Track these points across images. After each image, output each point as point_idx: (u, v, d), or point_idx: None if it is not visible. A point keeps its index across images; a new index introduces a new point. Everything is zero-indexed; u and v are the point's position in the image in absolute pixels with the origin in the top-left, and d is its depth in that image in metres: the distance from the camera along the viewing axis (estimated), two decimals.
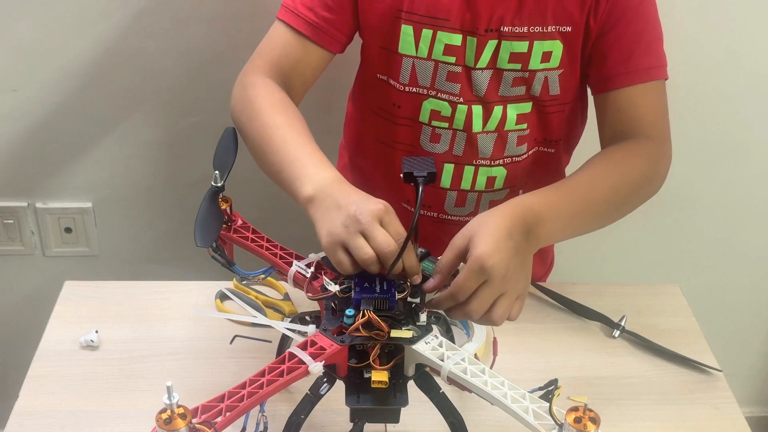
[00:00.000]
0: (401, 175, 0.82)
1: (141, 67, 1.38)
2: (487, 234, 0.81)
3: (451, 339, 0.84)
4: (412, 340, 0.76)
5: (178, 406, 0.65)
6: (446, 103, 1.06)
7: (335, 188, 0.86)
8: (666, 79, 1.05)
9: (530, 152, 1.12)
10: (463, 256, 0.82)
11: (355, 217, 0.80)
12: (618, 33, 1.02)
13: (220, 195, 0.89)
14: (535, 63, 1.03)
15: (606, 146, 1.07)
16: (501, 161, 1.11)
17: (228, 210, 0.90)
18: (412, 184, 0.82)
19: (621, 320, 1.08)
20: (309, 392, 0.75)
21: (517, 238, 0.84)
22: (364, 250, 0.79)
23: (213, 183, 0.88)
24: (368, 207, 0.81)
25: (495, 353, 1.02)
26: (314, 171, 0.89)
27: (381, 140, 1.13)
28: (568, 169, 1.20)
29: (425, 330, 0.77)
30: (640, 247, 1.65)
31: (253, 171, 1.51)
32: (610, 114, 1.05)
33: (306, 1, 1.05)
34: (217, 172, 0.88)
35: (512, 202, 0.89)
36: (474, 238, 0.81)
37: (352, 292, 0.79)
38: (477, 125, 1.07)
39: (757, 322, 1.78)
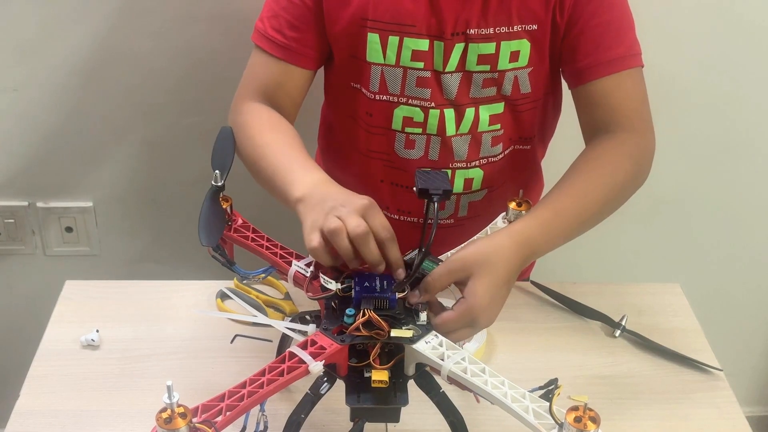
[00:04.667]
0: (414, 189, 0.82)
1: (141, 67, 1.38)
2: (487, 281, 0.82)
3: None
4: (413, 340, 0.76)
5: (179, 406, 0.65)
6: (418, 109, 1.06)
7: (323, 188, 0.89)
8: (641, 67, 1.05)
9: (506, 151, 1.12)
10: (458, 280, 0.82)
11: (336, 207, 0.83)
12: (585, 25, 1.01)
13: (221, 194, 0.89)
14: (503, 63, 1.03)
15: (588, 139, 1.06)
16: (477, 162, 1.11)
17: (228, 209, 0.90)
18: (426, 199, 0.82)
19: (622, 320, 1.08)
20: (309, 391, 0.75)
21: (511, 283, 0.85)
22: (333, 223, 0.80)
23: (213, 182, 0.88)
24: (352, 200, 0.84)
25: None
26: (302, 174, 0.92)
27: (356, 149, 1.13)
28: (545, 162, 1.21)
29: (425, 329, 0.78)
30: (641, 246, 1.65)
31: None
32: (588, 107, 1.05)
33: (274, 23, 1.06)
34: (217, 171, 0.88)
35: (519, 235, 0.88)
36: (474, 279, 0.82)
37: (352, 292, 0.79)
38: (450, 129, 1.07)
39: (758, 321, 1.78)
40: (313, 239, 0.82)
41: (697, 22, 1.39)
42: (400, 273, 0.83)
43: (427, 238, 0.80)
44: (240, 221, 0.91)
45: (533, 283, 1.14)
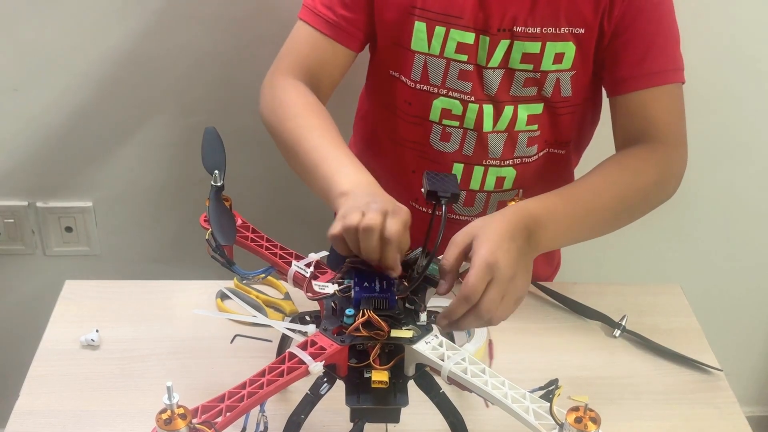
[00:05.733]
0: (423, 190, 0.82)
1: (142, 67, 1.38)
2: (490, 234, 0.82)
3: (451, 339, 0.84)
4: (413, 340, 0.75)
5: (179, 406, 0.65)
6: (457, 102, 1.06)
7: (370, 189, 0.88)
8: (683, 83, 1.05)
9: (540, 153, 1.12)
10: (466, 253, 0.82)
11: (367, 204, 0.81)
12: (632, 35, 1.01)
13: (221, 194, 0.89)
14: (547, 64, 1.03)
15: (620, 149, 1.06)
16: (511, 162, 1.11)
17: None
18: (434, 202, 0.82)
19: (622, 320, 1.08)
20: (309, 392, 0.75)
21: (519, 241, 0.84)
22: (353, 219, 0.79)
23: (213, 183, 0.88)
24: (384, 201, 0.82)
25: (491, 356, 1.02)
26: (353, 171, 0.91)
27: (391, 138, 1.13)
28: (578, 170, 1.20)
29: (425, 330, 0.77)
30: (641, 246, 1.64)
31: (253, 170, 1.51)
32: (624, 117, 1.05)
33: (325, 1, 1.06)
34: (216, 171, 0.88)
35: (513, 206, 0.89)
36: (477, 238, 0.82)
37: (352, 292, 0.78)
38: (488, 125, 1.07)
39: (758, 321, 1.78)
40: (335, 227, 0.82)
41: (697, 21, 1.39)
42: (391, 273, 0.82)
43: (433, 241, 0.80)
44: (239, 221, 0.91)
45: (534, 283, 1.14)
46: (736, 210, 1.61)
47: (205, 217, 0.86)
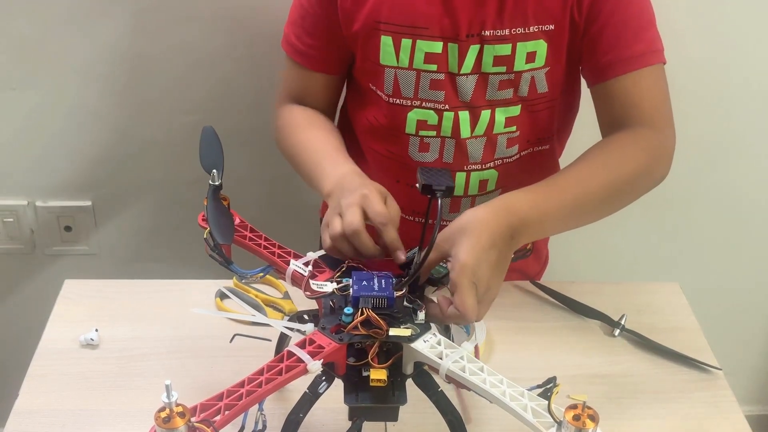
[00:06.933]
0: (417, 185, 0.82)
1: (139, 66, 1.38)
2: (469, 244, 0.80)
3: (450, 337, 0.84)
4: (411, 339, 0.76)
5: (177, 405, 0.65)
6: (432, 112, 1.06)
7: (345, 181, 0.92)
8: (663, 63, 1.04)
9: (523, 153, 1.11)
10: (444, 256, 0.82)
11: (339, 205, 0.86)
12: (603, 22, 1.01)
13: (219, 193, 0.89)
14: (520, 64, 1.02)
15: (606, 136, 1.05)
16: (492, 164, 1.10)
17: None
18: (429, 195, 0.82)
19: (621, 319, 1.08)
20: (308, 391, 0.75)
21: (500, 246, 0.83)
22: (335, 228, 0.85)
23: (211, 182, 0.88)
24: (352, 195, 0.87)
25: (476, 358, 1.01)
26: (331, 170, 0.97)
27: (371, 149, 1.13)
28: (562, 160, 1.20)
29: (424, 328, 0.77)
30: (640, 245, 1.65)
31: (252, 170, 1.51)
32: (606, 105, 1.04)
33: (295, 30, 1.10)
34: (214, 171, 0.88)
35: (499, 203, 0.87)
36: (457, 245, 0.81)
37: (351, 290, 0.79)
38: (465, 131, 1.07)
39: (757, 320, 1.78)
40: (324, 241, 0.87)
41: (694, 20, 1.39)
42: (399, 255, 0.85)
43: (429, 236, 0.80)
44: (237, 220, 0.91)
45: (533, 282, 1.14)
46: (735, 208, 1.61)
47: (204, 216, 0.86)
